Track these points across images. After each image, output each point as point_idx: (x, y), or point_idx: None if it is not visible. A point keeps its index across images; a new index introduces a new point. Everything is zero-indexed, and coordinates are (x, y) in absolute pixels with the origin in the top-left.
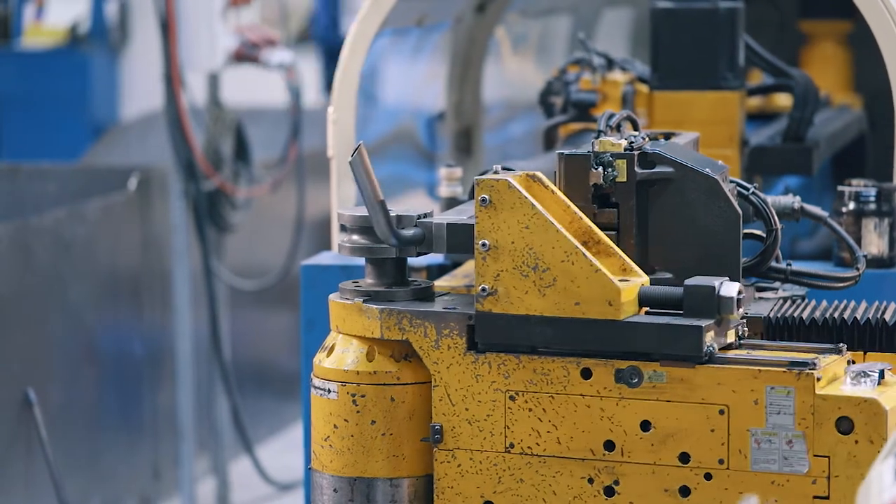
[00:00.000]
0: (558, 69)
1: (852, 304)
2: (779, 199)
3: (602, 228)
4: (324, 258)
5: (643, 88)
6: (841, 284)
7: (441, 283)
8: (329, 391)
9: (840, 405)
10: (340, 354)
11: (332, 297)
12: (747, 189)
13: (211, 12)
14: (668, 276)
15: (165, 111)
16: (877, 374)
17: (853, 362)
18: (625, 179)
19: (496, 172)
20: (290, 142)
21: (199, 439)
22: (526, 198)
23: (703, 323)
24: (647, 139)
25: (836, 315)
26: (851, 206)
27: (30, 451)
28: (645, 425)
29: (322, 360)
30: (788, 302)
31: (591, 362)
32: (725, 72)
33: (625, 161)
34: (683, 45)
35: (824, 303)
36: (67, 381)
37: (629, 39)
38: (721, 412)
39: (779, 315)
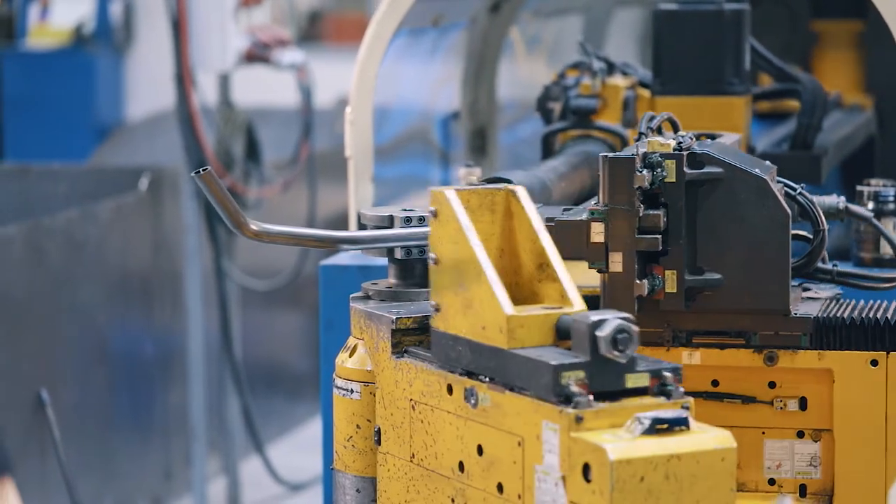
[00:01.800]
0: (556, 74)
1: (894, 304)
2: (823, 199)
3: (648, 231)
4: (342, 258)
5: (645, 93)
6: (887, 285)
7: None
8: (352, 391)
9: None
10: (363, 355)
11: (354, 297)
12: (794, 189)
13: (222, 12)
14: (717, 276)
15: (177, 111)
16: (649, 423)
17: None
18: (674, 180)
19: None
20: (301, 142)
21: (210, 439)
22: (455, 213)
23: (563, 361)
24: (693, 139)
25: (888, 315)
26: (870, 205)
27: (43, 451)
28: (479, 449)
29: (345, 361)
30: (835, 302)
31: (453, 378)
32: (731, 77)
33: (674, 161)
34: (687, 49)
35: (863, 303)
36: (80, 382)
37: (640, 40)
38: (518, 444)
39: (828, 315)
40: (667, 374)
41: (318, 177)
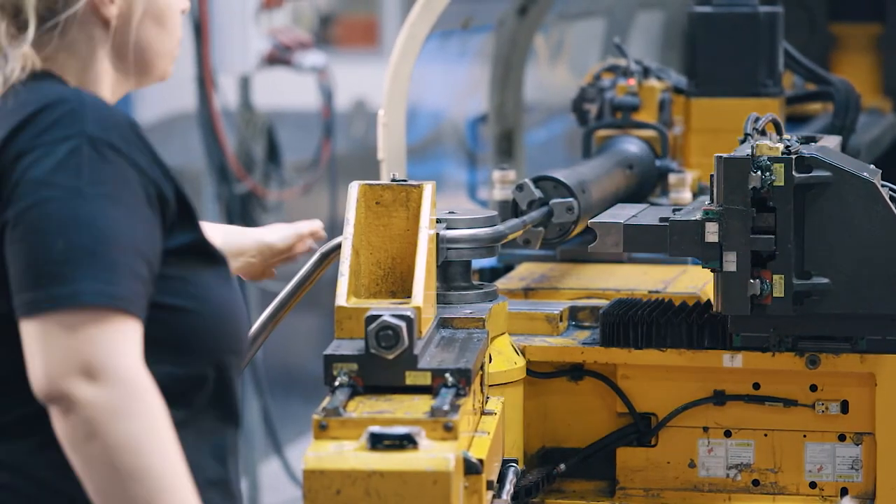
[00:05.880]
0: (592, 75)
1: None
2: None
3: (761, 232)
4: None
5: (678, 98)
6: None
7: (498, 285)
8: None
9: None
10: None
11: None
12: None
13: (243, 15)
14: (825, 281)
15: (198, 114)
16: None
17: None
18: (782, 183)
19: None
20: (322, 144)
21: None
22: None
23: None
24: (800, 143)
25: None
26: None
27: None
28: None
29: None
30: None
31: None
32: (765, 78)
33: (782, 165)
34: (722, 51)
35: None
36: None
37: (660, 43)
38: None
39: None
40: (449, 376)
41: (338, 179)
